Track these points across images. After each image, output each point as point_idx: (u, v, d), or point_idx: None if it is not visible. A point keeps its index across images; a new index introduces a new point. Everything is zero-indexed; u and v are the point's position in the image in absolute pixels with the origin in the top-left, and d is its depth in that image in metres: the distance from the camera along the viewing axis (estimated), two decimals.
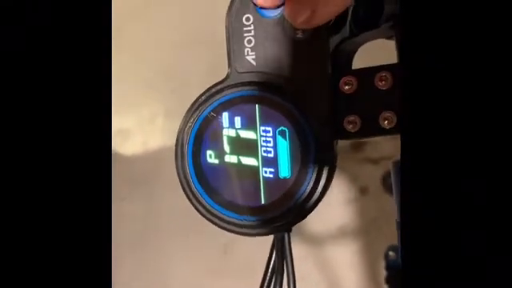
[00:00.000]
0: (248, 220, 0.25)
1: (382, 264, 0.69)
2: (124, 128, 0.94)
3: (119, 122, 0.94)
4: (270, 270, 0.28)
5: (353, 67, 0.27)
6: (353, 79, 0.24)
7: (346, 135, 0.24)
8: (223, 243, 0.81)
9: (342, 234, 0.80)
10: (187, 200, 0.27)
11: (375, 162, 0.81)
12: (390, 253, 0.53)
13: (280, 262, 0.27)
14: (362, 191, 0.81)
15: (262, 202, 0.25)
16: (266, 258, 0.29)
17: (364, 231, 0.79)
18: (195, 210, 0.26)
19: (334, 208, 0.80)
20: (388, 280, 0.53)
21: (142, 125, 0.93)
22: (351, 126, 0.24)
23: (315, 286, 0.78)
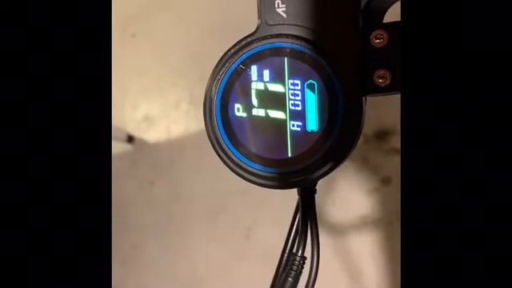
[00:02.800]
0: (274, 172, 0.25)
1: None
2: (150, 114, 0.95)
3: (146, 108, 0.95)
4: (293, 231, 0.28)
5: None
6: (384, 33, 0.24)
7: (376, 89, 0.24)
8: (246, 227, 0.81)
9: (363, 223, 0.79)
10: (216, 155, 0.27)
11: (400, 152, 0.80)
12: None
13: (304, 224, 0.27)
14: (385, 181, 0.80)
15: (289, 155, 0.25)
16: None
17: (386, 221, 0.78)
18: (222, 163, 0.27)
19: (357, 197, 0.79)
20: None
21: (167, 111, 0.94)
22: (381, 80, 0.24)
23: (335, 274, 0.77)
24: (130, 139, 0.96)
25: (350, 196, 0.78)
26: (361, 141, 0.80)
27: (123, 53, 0.96)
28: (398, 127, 0.80)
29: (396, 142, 0.80)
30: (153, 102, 0.96)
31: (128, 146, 0.95)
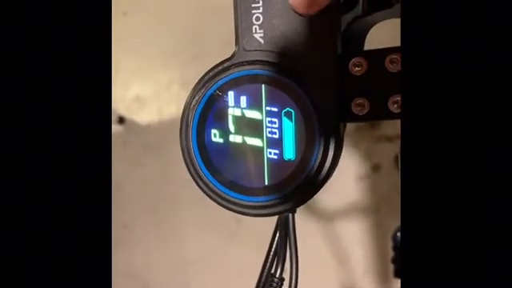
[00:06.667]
0: (251, 201, 0.25)
1: (391, 242, 0.69)
2: (141, 95, 0.94)
3: (137, 88, 0.94)
4: (273, 249, 0.28)
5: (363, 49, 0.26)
6: (363, 61, 0.23)
7: (354, 118, 0.24)
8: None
9: (352, 210, 0.79)
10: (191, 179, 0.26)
11: (390, 139, 0.80)
12: (398, 234, 0.53)
13: (283, 242, 0.27)
14: (375, 168, 0.80)
15: (266, 183, 0.25)
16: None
17: (374, 208, 0.79)
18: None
19: (346, 184, 0.79)
20: (394, 260, 0.53)
21: (159, 92, 0.93)
22: (359, 108, 0.24)
23: (323, 260, 0.79)
24: (121, 120, 0.95)
25: (341, 182, 0.78)
26: (353, 128, 0.79)
27: (114, 31, 0.93)
28: None
29: (386, 128, 0.80)
30: (144, 82, 0.94)
31: (119, 127, 0.94)
